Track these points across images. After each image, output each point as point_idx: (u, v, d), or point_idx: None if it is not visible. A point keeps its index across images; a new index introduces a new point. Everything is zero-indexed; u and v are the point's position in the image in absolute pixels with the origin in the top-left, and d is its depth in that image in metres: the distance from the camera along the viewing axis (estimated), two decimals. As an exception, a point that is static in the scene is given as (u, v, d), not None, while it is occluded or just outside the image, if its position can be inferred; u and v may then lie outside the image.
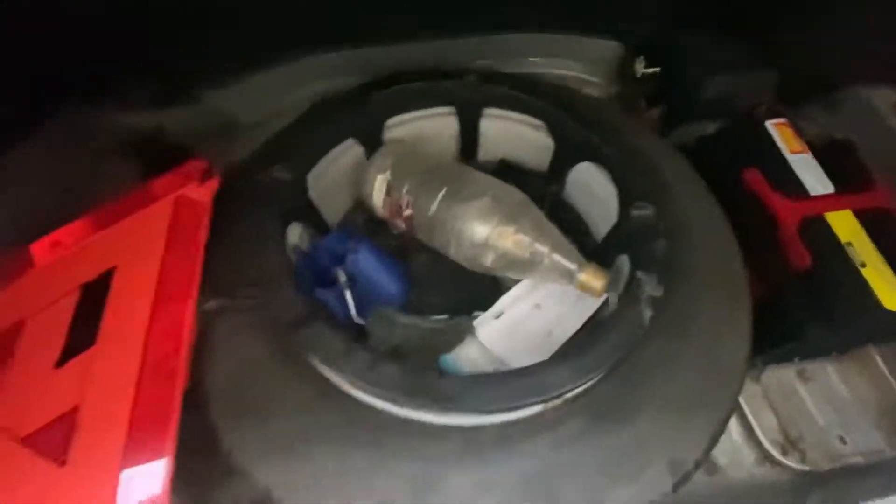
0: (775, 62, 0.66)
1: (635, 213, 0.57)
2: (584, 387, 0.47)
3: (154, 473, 0.42)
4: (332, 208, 0.70)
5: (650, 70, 0.73)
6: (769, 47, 0.65)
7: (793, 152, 0.63)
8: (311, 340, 0.45)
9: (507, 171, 0.74)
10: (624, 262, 0.57)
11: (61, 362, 0.48)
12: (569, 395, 0.47)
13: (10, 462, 0.42)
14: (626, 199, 0.59)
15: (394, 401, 0.42)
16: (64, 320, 0.50)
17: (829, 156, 0.63)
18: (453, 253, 0.63)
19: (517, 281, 0.67)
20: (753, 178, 0.63)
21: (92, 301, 0.52)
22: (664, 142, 0.70)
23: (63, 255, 0.54)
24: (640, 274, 0.51)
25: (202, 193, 0.57)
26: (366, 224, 0.72)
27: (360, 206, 0.71)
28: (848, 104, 0.67)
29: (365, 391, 0.43)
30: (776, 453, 0.62)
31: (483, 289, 0.66)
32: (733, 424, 0.68)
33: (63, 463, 0.42)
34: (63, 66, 0.63)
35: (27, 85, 0.60)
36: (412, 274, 0.68)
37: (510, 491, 0.42)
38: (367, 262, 0.64)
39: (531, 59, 0.81)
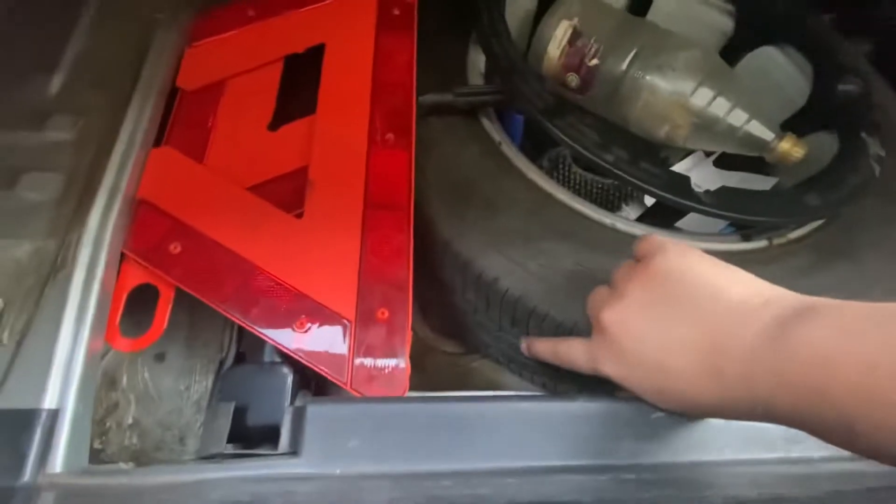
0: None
1: (842, 87, 0.56)
2: (809, 229, 0.47)
3: (396, 239, 0.40)
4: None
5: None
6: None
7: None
8: (569, 130, 0.43)
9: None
10: (822, 137, 0.57)
11: (274, 126, 0.45)
12: (794, 234, 0.47)
13: (247, 210, 0.40)
14: (829, 76, 0.58)
15: (652, 194, 0.42)
16: (272, 87, 0.46)
17: None
18: (637, 112, 0.60)
19: (678, 158, 0.66)
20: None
21: (294, 72, 0.48)
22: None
23: (259, 25, 0.49)
24: (864, 135, 0.50)
25: (404, -8, 0.53)
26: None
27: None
28: None
29: (622, 182, 0.42)
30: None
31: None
32: None
33: (300, 215, 0.40)
34: None
35: None
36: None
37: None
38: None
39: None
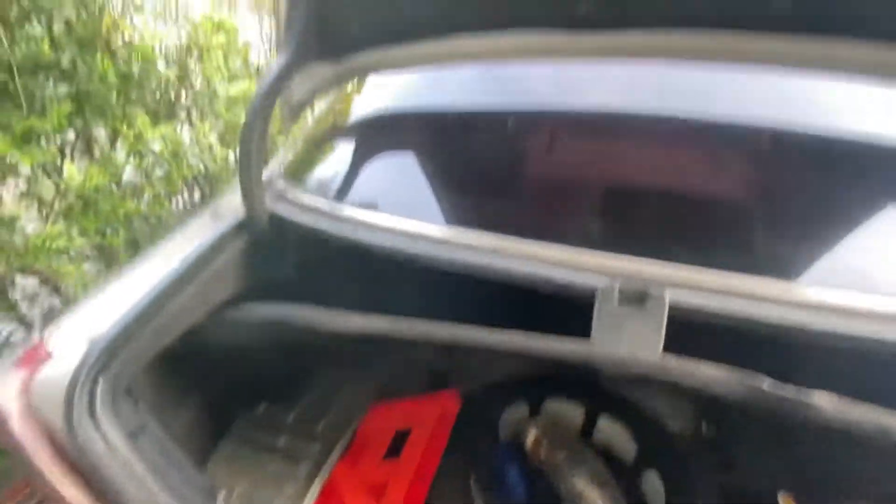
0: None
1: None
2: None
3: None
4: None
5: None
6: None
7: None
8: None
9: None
10: None
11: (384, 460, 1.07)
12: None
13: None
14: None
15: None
16: (385, 444, 1.10)
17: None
18: (564, 491, 1.10)
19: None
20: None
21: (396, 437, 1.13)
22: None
23: (383, 417, 1.19)
24: None
25: (451, 408, 1.20)
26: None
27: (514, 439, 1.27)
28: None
29: None
30: None
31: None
32: None
33: (380, 507, 0.96)
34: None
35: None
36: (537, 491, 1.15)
37: None
38: (514, 473, 1.15)
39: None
